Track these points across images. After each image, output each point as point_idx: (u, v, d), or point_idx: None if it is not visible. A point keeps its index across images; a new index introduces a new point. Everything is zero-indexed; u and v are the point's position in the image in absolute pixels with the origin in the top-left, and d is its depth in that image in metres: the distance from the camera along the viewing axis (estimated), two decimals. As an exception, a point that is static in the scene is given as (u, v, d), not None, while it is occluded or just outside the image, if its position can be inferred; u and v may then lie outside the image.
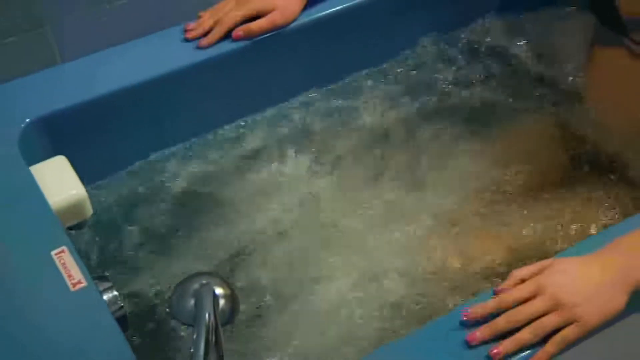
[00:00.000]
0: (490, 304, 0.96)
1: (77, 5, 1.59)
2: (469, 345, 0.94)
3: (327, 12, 1.42)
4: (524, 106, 1.52)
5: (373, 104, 1.53)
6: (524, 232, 1.32)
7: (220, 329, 0.96)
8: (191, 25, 1.38)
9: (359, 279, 1.28)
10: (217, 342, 0.94)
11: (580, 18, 1.53)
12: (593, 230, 1.28)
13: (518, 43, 1.61)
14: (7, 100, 1.25)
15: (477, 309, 0.96)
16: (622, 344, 1.08)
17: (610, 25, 1.40)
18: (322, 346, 1.20)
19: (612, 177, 1.38)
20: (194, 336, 0.93)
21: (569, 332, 0.93)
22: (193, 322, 0.98)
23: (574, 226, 1.31)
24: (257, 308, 1.25)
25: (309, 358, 1.19)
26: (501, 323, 0.94)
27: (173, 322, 1.15)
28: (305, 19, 1.40)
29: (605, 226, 1.08)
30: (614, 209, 1.33)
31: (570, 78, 1.53)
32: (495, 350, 0.92)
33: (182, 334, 1.18)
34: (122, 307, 1.09)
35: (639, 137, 1.39)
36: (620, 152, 1.40)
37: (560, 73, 1.54)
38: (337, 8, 1.43)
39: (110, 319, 1.00)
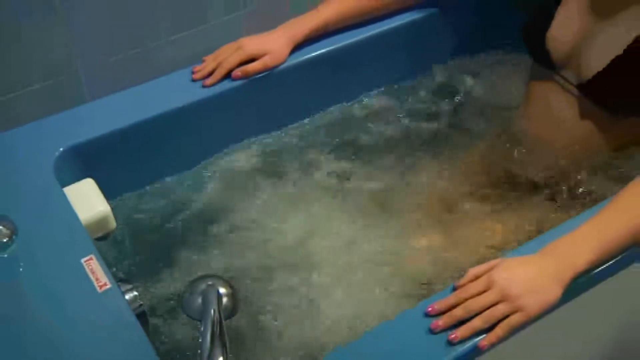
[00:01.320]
0: (451, 299, 0.97)
1: (103, 52, 1.57)
2: (433, 332, 0.95)
3: (308, 56, 1.42)
4: (472, 135, 1.51)
5: (342, 129, 1.53)
6: (482, 236, 1.32)
7: (224, 323, 0.96)
8: (197, 67, 1.37)
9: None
10: (221, 333, 0.94)
11: (519, 59, 1.52)
12: (532, 236, 1.26)
13: (467, 82, 1.59)
14: (44, 133, 1.24)
15: (440, 304, 0.97)
16: (561, 328, 1.09)
17: (544, 63, 1.39)
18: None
19: (547, 191, 1.38)
20: (202, 328, 0.94)
21: (514, 319, 0.94)
22: (200, 316, 0.98)
23: (516, 232, 1.31)
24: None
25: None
26: (459, 313, 0.95)
27: (184, 317, 1.12)
28: (291, 61, 1.39)
29: (541, 232, 1.07)
30: (548, 218, 1.33)
31: (512, 110, 1.51)
32: (453, 335, 0.94)
33: (192, 326, 1.16)
34: (141, 305, 1.09)
35: (566, 160, 1.38)
36: (552, 172, 1.39)
37: (502, 106, 1.53)
38: (316, 53, 1.42)
39: (131, 315, 0.99)
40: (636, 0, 1.25)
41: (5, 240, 1.03)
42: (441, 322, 0.94)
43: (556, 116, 1.39)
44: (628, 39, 1.24)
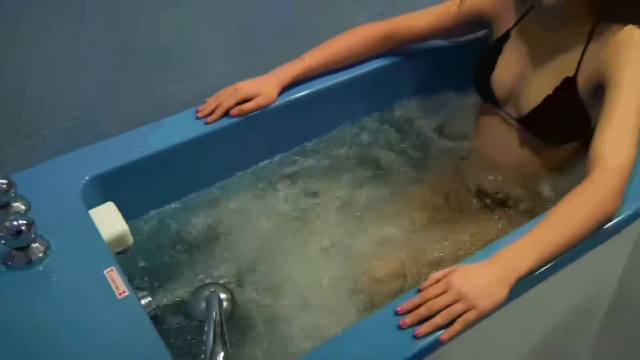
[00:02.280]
0: (416, 300, 0.98)
1: (120, 95, 1.57)
2: (401, 328, 0.95)
3: (293, 97, 1.42)
4: (430, 161, 1.51)
5: (319, 159, 1.52)
6: (438, 246, 1.30)
7: (224, 323, 0.96)
8: (200, 107, 1.37)
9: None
10: (222, 333, 0.94)
11: (469, 97, 1.52)
12: (483, 244, 1.25)
13: (426, 116, 1.59)
14: (72, 164, 1.23)
15: (407, 304, 0.97)
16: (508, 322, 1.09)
17: (489, 100, 1.41)
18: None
19: (494, 207, 1.38)
20: (205, 329, 0.94)
21: (469, 316, 0.95)
22: (204, 318, 0.98)
23: (471, 242, 1.31)
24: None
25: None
26: (422, 311, 0.96)
27: (190, 319, 1.13)
28: (279, 101, 1.39)
29: (491, 241, 1.08)
30: (497, 229, 1.33)
31: (463, 139, 1.52)
32: (418, 331, 0.94)
33: (197, 326, 1.15)
34: (154, 308, 1.10)
35: (510, 180, 1.39)
36: (499, 191, 1.39)
37: (455, 136, 1.53)
38: (300, 94, 1.42)
39: (146, 317, 1.00)
40: (561, 50, 1.27)
41: (40, 255, 1.04)
42: (408, 319, 0.95)
43: (500, 144, 1.40)
44: (556, 81, 1.27)
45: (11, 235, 0.99)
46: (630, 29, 1.20)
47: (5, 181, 1.06)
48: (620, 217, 1.10)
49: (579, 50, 1.24)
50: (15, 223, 0.99)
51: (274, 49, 1.66)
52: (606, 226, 1.09)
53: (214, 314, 0.97)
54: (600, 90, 1.20)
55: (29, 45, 1.41)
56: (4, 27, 1.36)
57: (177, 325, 1.17)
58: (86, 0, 1.42)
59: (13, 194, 1.08)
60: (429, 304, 0.95)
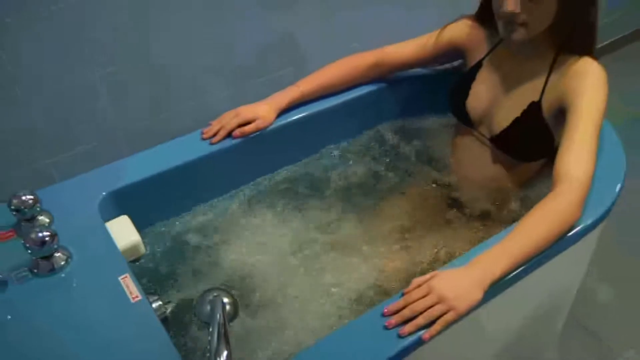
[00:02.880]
0: (400, 303, 0.98)
1: (135, 119, 1.58)
2: (387, 328, 0.96)
3: (289, 120, 1.41)
4: (412, 176, 1.50)
5: (311, 175, 1.51)
6: (421, 255, 1.30)
7: (227, 324, 0.97)
8: (205, 129, 1.37)
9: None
10: (225, 333, 0.94)
11: (447, 119, 1.51)
12: (460, 252, 1.26)
13: (408, 137, 1.58)
14: (92, 181, 1.23)
15: (392, 307, 0.98)
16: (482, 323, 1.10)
17: (465, 122, 1.41)
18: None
19: (470, 217, 1.38)
20: (210, 329, 0.95)
21: (448, 317, 0.95)
22: (209, 320, 0.98)
23: (449, 250, 1.31)
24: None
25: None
26: (406, 313, 0.96)
27: (196, 321, 1.12)
28: (276, 124, 1.39)
29: (467, 250, 1.08)
30: (472, 238, 1.33)
31: (442, 157, 1.52)
32: (402, 330, 0.95)
33: (203, 327, 1.14)
34: (164, 311, 1.10)
35: (484, 194, 1.40)
36: (474, 203, 1.40)
37: (434, 155, 1.53)
38: (294, 117, 1.42)
39: (156, 320, 1.00)
40: (527, 78, 1.28)
41: (62, 263, 1.05)
42: (393, 320, 0.95)
43: (475, 161, 1.41)
44: (523, 105, 1.28)
45: (37, 245, 1.01)
46: (585, 60, 1.22)
47: (31, 197, 1.07)
48: (581, 226, 1.11)
49: (543, 78, 1.26)
50: (40, 235, 1.00)
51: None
52: (569, 234, 1.10)
53: (218, 316, 0.97)
54: (562, 113, 1.21)
55: (55, 77, 1.42)
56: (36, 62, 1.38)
57: (185, 327, 1.16)
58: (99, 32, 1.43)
59: (38, 208, 1.09)
60: (412, 306, 0.96)
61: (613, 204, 1.17)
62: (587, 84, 1.18)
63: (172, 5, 1.51)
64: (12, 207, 1.06)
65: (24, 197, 1.06)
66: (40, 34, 1.36)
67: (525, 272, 1.06)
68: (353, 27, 1.90)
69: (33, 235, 1.00)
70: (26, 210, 1.07)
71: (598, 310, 1.84)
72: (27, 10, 1.31)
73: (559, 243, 1.09)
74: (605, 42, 2.98)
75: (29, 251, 1.01)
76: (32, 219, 1.09)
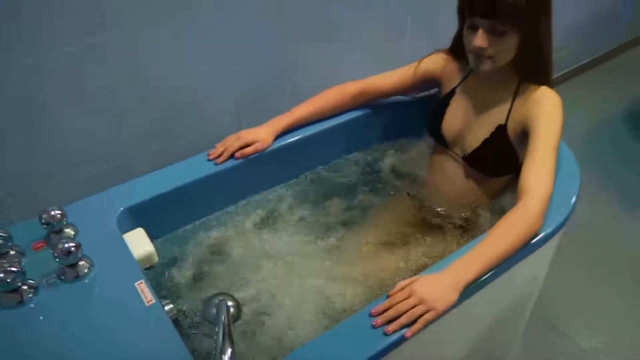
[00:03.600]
0: (385, 304, 0.98)
1: (147, 142, 1.59)
2: (374, 327, 0.96)
3: (285, 142, 1.41)
4: (393, 191, 1.51)
5: (304, 191, 1.51)
6: (402, 262, 1.31)
7: (232, 325, 0.97)
8: (211, 151, 1.37)
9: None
10: (230, 333, 0.94)
11: (425, 140, 1.52)
12: (438, 259, 1.25)
13: (390, 157, 1.58)
14: (110, 198, 1.23)
15: (378, 308, 0.98)
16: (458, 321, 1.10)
17: (441, 142, 1.42)
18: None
19: (446, 228, 1.38)
20: (216, 329, 0.95)
21: (428, 316, 0.96)
22: (215, 321, 0.98)
23: (428, 257, 1.31)
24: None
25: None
26: (391, 313, 0.97)
27: (203, 322, 1.12)
28: (274, 146, 1.39)
29: (442, 258, 1.09)
30: (448, 246, 1.33)
31: (420, 175, 1.52)
32: (387, 329, 0.95)
33: (209, 328, 1.14)
34: (175, 313, 1.10)
35: (458, 206, 1.40)
36: (449, 215, 1.40)
37: (413, 173, 1.53)
38: (290, 140, 1.42)
39: (168, 321, 1.00)
40: (494, 104, 1.29)
41: (86, 271, 1.05)
42: (379, 320, 0.96)
43: (450, 177, 1.42)
44: (491, 128, 1.29)
45: (63, 255, 1.01)
46: (543, 89, 1.23)
47: (59, 212, 1.07)
48: (542, 234, 1.12)
49: (508, 104, 1.27)
50: (66, 245, 1.01)
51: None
52: (533, 241, 1.11)
53: (223, 317, 0.97)
54: (525, 135, 1.22)
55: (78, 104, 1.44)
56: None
57: (193, 327, 1.16)
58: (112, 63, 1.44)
59: (65, 222, 1.09)
60: (396, 307, 0.96)
61: (570, 213, 1.18)
62: (546, 110, 1.20)
63: (181, 41, 1.52)
64: (43, 221, 1.07)
65: (52, 213, 1.07)
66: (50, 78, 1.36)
67: (495, 276, 1.07)
68: (341, 59, 1.92)
69: (60, 246, 1.01)
70: (54, 223, 1.07)
71: (557, 305, 1.85)
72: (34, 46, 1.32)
73: (524, 249, 1.09)
74: (559, 74, 3.03)
75: (57, 260, 1.01)
76: (60, 231, 1.09)
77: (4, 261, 1.00)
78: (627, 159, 2.54)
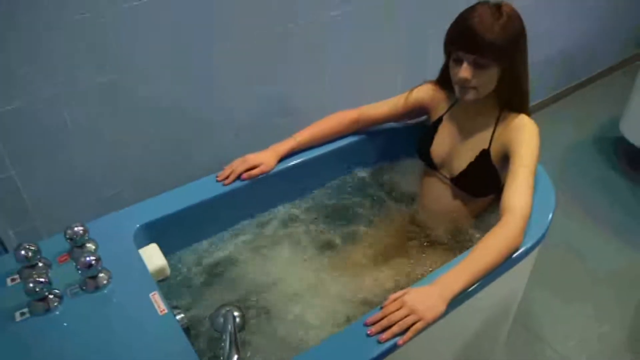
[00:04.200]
0: (379, 315, 0.98)
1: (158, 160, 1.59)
2: (369, 336, 0.96)
3: (287, 165, 1.41)
4: (387, 211, 1.50)
5: (304, 211, 1.49)
6: (394, 276, 1.29)
7: (237, 334, 0.97)
8: (219, 174, 1.36)
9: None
10: (236, 341, 0.95)
11: (415, 163, 1.50)
12: (428, 272, 1.27)
13: (383, 178, 1.58)
14: (127, 216, 1.23)
15: (372, 318, 0.98)
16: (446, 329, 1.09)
17: (430, 165, 1.42)
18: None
19: (435, 244, 1.37)
20: (223, 337, 0.96)
21: (418, 325, 0.96)
22: (222, 330, 0.98)
23: (419, 271, 1.30)
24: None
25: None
26: (384, 323, 0.97)
27: (211, 330, 1.10)
28: (277, 169, 1.38)
29: (432, 271, 1.09)
30: (437, 261, 1.32)
31: (411, 195, 1.51)
32: (380, 337, 0.95)
33: (217, 336, 1.13)
34: (186, 322, 1.10)
35: (446, 224, 1.39)
36: (439, 231, 1.39)
37: (405, 193, 1.52)
38: (292, 163, 1.41)
39: (180, 329, 0.99)
40: (478, 130, 1.30)
41: (105, 282, 1.05)
42: (374, 329, 0.96)
43: (438, 197, 1.42)
44: (476, 152, 1.30)
45: (85, 267, 1.02)
46: (522, 117, 1.25)
47: (82, 228, 1.08)
48: (523, 249, 1.13)
49: (491, 130, 1.28)
50: (88, 259, 1.02)
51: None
52: (514, 256, 1.11)
53: (230, 327, 0.98)
54: (506, 158, 1.24)
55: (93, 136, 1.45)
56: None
57: (202, 335, 1.15)
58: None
59: (87, 237, 1.09)
60: (389, 317, 0.96)
61: (547, 229, 1.19)
62: (525, 136, 1.21)
63: (189, 72, 1.53)
64: (67, 237, 1.08)
65: (76, 229, 1.08)
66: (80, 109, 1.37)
67: (480, 287, 1.07)
68: (340, 87, 1.93)
69: (82, 259, 1.01)
70: (77, 239, 1.08)
71: (537, 313, 1.86)
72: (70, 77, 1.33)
73: (506, 263, 1.09)
74: (535, 102, 3.06)
75: (79, 272, 1.02)
76: (82, 246, 1.09)
77: (33, 272, 1.02)
78: (595, 180, 2.58)
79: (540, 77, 2.88)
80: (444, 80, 1.36)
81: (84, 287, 1.04)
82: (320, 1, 1.69)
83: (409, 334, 0.95)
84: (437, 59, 1.34)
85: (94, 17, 1.27)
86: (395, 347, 0.94)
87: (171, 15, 1.40)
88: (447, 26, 1.22)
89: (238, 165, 1.37)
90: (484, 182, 1.31)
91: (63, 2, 1.22)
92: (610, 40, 3.32)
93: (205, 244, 1.37)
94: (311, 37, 1.73)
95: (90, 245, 1.10)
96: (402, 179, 1.57)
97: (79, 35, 1.27)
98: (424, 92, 1.43)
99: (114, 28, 1.31)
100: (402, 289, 1.02)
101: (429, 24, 2.02)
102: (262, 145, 1.42)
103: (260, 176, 1.37)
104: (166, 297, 1.07)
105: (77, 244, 1.09)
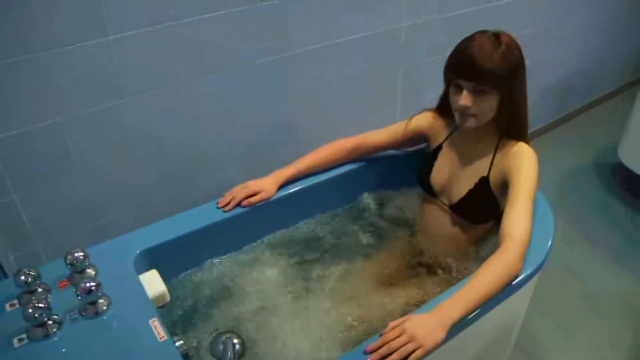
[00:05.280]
0: (379, 342, 0.98)
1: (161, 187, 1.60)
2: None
3: (287, 192, 1.42)
4: (387, 237, 1.50)
5: (303, 237, 1.50)
6: (394, 303, 1.29)
7: None
8: (220, 200, 1.37)
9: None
10: None
11: (415, 191, 1.51)
12: (428, 299, 1.26)
13: (382, 206, 1.58)
14: (127, 242, 1.24)
15: (372, 346, 0.98)
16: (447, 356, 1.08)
17: (429, 192, 1.43)
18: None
19: (434, 271, 1.37)
20: None
21: (418, 353, 0.96)
22: (222, 357, 0.97)
23: (418, 298, 1.30)
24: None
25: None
26: (384, 351, 0.96)
27: (212, 358, 1.10)
28: (278, 195, 1.39)
29: (431, 298, 1.08)
30: (437, 288, 1.32)
31: (411, 221, 1.52)
32: None
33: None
34: (185, 349, 1.08)
35: (445, 251, 1.40)
36: (438, 258, 1.39)
37: (405, 220, 1.53)
38: (292, 190, 1.42)
39: (179, 356, 0.99)
40: (478, 157, 1.31)
41: (105, 308, 1.06)
42: (373, 357, 0.95)
43: (437, 224, 1.42)
44: (475, 179, 1.31)
45: (85, 293, 1.02)
46: (521, 145, 1.26)
47: (82, 253, 1.09)
48: (522, 276, 1.13)
49: (490, 158, 1.30)
50: (88, 284, 1.03)
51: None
52: (513, 283, 1.11)
53: (229, 354, 0.98)
54: (505, 185, 1.25)
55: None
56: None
57: (201, 362, 1.17)
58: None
59: (87, 263, 1.10)
60: (389, 345, 0.96)
61: (547, 256, 1.20)
62: (524, 163, 1.22)
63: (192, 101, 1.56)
64: (67, 262, 1.08)
65: (76, 254, 1.08)
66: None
67: (480, 314, 1.07)
68: (340, 116, 1.96)
69: (82, 285, 1.02)
70: (77, 264, 1.08)
71: (537, 338, 1.86)
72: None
73: (506, 289, 1.10)
74: (535, 128, 3.10)
75: (79, 297, 1.02)
76: (82, 271, 1.10)
77: (33, 297, 1.02)
78: (593, 205, 2.60)
79: (539, 103, 2.92)
80: (444, 108, 1.38)
81: (84, 313, 1.04)
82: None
83: None
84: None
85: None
86: (395, 375, 0.94)
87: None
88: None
89: (239, 192, 1.37)
90: (483, 209, 1.32)
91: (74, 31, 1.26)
92: (608, 67, 3.38)
93: (205, 270, 1.36)
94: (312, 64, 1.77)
95: (90, 271, 1.10)
96: (402, 206, 1.58)
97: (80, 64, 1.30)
98: (424, 120, 1.44)
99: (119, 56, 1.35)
100: (401, 316, 1.02)
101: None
102: (263, 174, 1.43)
103: (261, 203, 1.37)
104: (165, 323, 1.06)
105: (77, 270, 1.10)
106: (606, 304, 2.01)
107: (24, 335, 0.99)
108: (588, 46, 3.05)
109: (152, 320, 1.03)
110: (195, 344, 1.19)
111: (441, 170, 1.39)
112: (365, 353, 0.97)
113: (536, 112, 2.89)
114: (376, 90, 2.03)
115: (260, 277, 1.37)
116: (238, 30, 1.53)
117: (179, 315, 1.26)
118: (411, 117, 1.46)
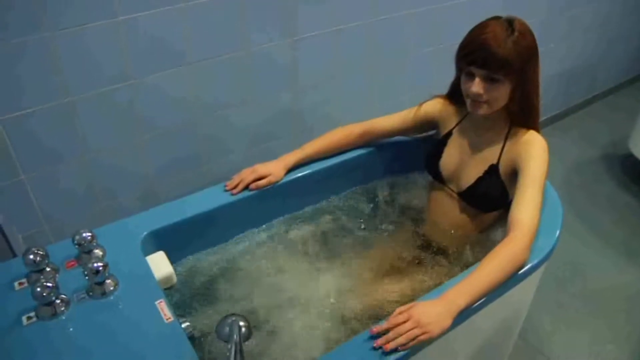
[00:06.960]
0: (385, 325, 0.99)
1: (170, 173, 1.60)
2: (375, 347, 0.97)
3: (296, 176, 1.42)
4: (395, 224, 1.49)
5: (312, 222, 1.50)
6: (401, 290, 1.29)
7: (242, 344, 0.95)
8: (228, 183, 1.38)
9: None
10: (241, 350, 0.93)
11: (423, 177, 1.52)
12: (434, 286, 1.24)
13: (390, 191, 1.57)
14: (135, 223, 1.24)
15: (379, 328, 0.99)
16: (452, 343, 1.10)
17: (437, 179, 1.43)
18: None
19: (441, 257, 1.37)
20: (229, 346, 0.94)
21: (423, 338, 0.96)
22: (228, 339, 0.96)
23: (425, 284, 1.30)
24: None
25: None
26: (390, 335, 0.97)
27: (217, 340, 1.11)
28: (286, 179, 1.40)
29: (438, 285, 1.09)
30: (444, 274, 1.32)
31: (420, 208, 1.51)
32: (385, 346, 0.96)
33: (222, 346, 1.13)
34: (191, 331, 1.10)
35: (453, 238, 1.40)
36: (445, 245, 1.40)
37: (414, 207, 1.51)
38: (301, 174, 1.42)
39: (185, 337, 1.00)
40: (487, 145, 1.31)
41: (112, 289, 1.07)
42: (380, 340, 0.96)
43: (446, 211, 1.42)
44: (484, 167, 1.31)
45: (92, 273, 1.03)
46: (531, 133, 1.26)
47: (90, 234, 1.10)
48: (529, 266, 1.13)
49: (500, 145, 1.29)
50: (95, 265, 1.04)
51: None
52: (520, 272, 1.11)
53: (235, 336, 0.96)
54: (514, 174, 1.24)
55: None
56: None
57: (208, 345, 1.15)
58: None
59: (95, 244, 1.11)
60: (395, 329, 0.97)
61: (554, 246, 1.19)
62: (534, 151, 1.22)
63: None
64: (75, 242, 1.09)
65: (84, 235, 1.09)
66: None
67: (486, 302, 1.07)
68: (347, 101, 1.95)
69: (90, 265, 1.03)
70: (85, 245, 1.09)
71: (541, 330, 1.86)
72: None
73: (513, 278, 1.10)
74: (545, 117, 3.08)
75: (87, 278, 1.04)
76: (90, 252, 1.11)
77: (41, 277, 1.03)
78: (601, 197, 2.59)
79: (549, 92, 2.90)
80: (454, 95, 1.37)
81: (91, 293, 1.05)
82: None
83: (410, 342, 0.95)
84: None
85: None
86: (400, 358, 0.94)
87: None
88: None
89: (247, 175, 1.38)
90: (492, 197, 1.32)
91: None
92: (620, 57, 3.34)
93: (212, 252, 1.37)
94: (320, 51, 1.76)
95: (98, 252, 1.11)
96: (410, 192, 1.58)
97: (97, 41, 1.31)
98: (434, 106, 1.44)
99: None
100: (408, 302, 1.03)
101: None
102: (271, 157, 1.44)
103: (269, 187, 1.38)
104: (172, 304, 1.08)
105: (85, 250, 1.11)
106: (612, 297, 2.01)
107: (32, 314, 1.00)
108: (600, 35, 3.01)
109: (159, 301, 1.04)
110: (201, 326, 1.19)
111: (451, 157, 1.39)
112: (371, 334, 0.98)
113: (546, 100, 2.87)
114: (385, 76, 2.03)
115: (266, 260, 1.37)
116: (248, 13, 1.52)
117: (185, 297, 1.26)
118: (421, 104, 1.45)
